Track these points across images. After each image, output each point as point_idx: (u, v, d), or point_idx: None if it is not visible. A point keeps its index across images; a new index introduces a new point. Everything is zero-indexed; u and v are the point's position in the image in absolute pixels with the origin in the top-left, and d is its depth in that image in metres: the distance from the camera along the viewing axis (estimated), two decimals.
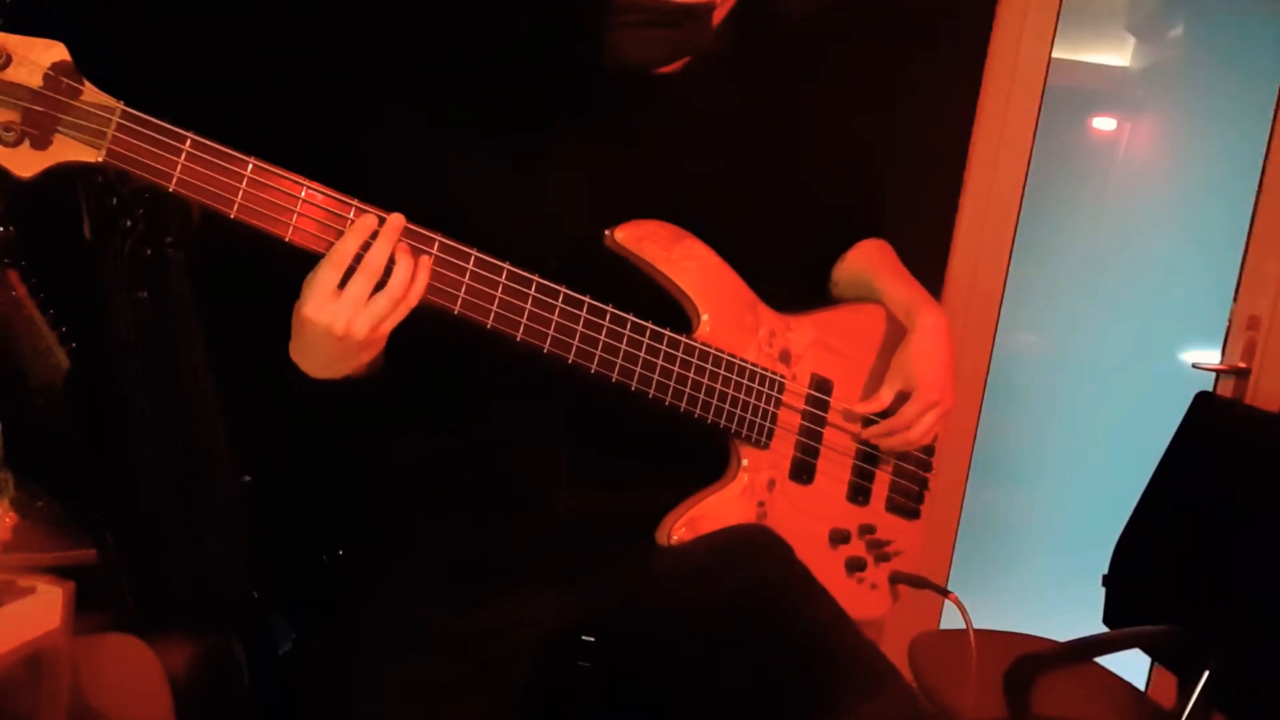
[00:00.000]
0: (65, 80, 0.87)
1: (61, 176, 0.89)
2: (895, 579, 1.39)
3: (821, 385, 1.31)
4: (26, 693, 1.34)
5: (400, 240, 0.99)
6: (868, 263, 1.42)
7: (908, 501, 1.41)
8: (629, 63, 1.15)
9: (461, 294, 1.04)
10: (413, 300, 1.00)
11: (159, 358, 1.68)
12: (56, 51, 0.87)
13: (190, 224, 1.66)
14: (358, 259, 0.98)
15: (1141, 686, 2.30)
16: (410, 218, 1.02)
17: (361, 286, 0.97)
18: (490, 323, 1.05)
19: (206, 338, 1.72)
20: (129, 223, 1.62)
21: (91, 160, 0.89)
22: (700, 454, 1.25)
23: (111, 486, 1.64)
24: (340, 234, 0.98)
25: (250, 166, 0.94)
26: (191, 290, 1.70)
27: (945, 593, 1.36)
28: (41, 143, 0.87)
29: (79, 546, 1.56)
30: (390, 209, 1.01)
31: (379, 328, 0.99)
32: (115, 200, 1.60)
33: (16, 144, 0.86)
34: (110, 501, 1.63)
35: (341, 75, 1.69)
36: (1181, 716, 1.65)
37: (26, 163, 0.87)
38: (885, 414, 1.31)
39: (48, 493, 1.57)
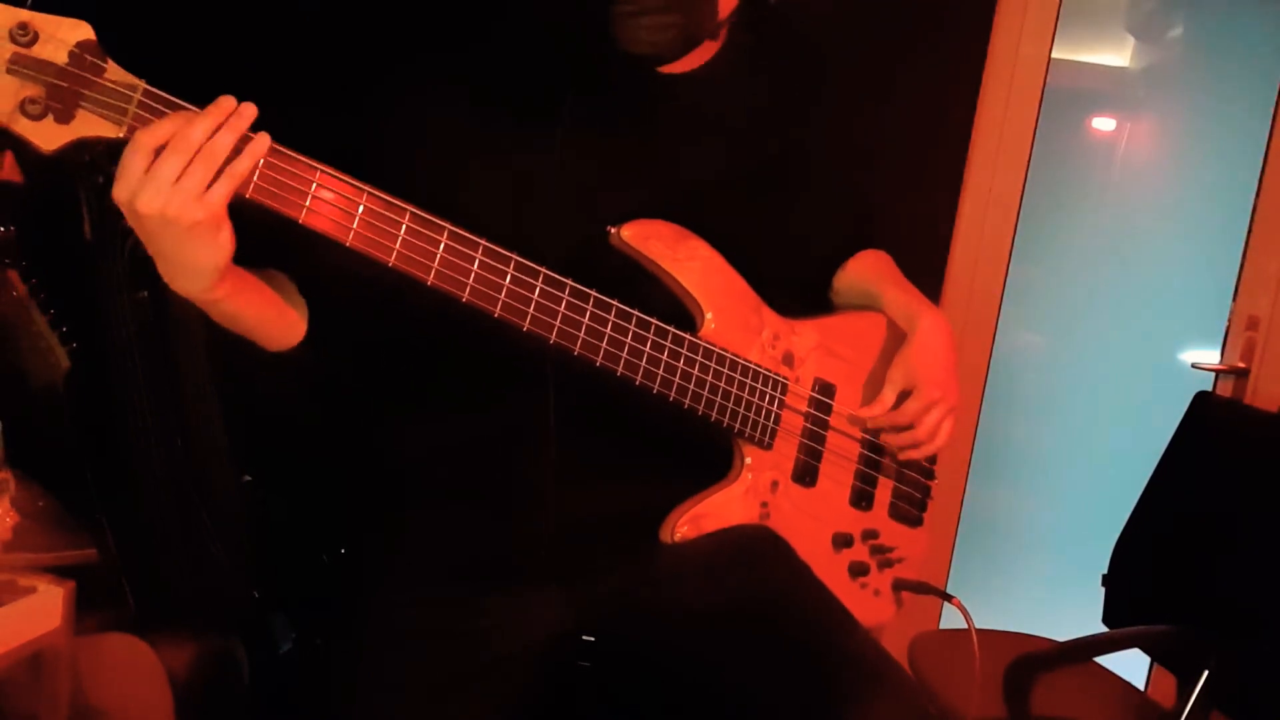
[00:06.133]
0: (90, 58, 0.89)
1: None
2: (898, 585, 1.39)
3: (825, 389, 1.31)
4: (27, 692, 1.35)
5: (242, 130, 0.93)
6: (868, 271, 1.42)
7: (911, 509, 1.41)
8: (639, 53, 1.15)
9: (470, 282, 1.04)
10: (236, 174, 0.92)
11: (159, 358, 1.68)
12: (82, 30, 0.90)
13: None
14: None
15: (1141, 686, 2.30)
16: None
17: (172, 164, 0.90)
18: (498, 311, 1.05)
19: (206, 338, 1.72)
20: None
21: (113, 135, 0.91)
22: (701, 455, 1.25)
23: (111, 486, 1.64)
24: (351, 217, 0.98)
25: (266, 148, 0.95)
26: None
27: (948, 597, 1.36)
28: (65, 117, 0.89)
29: (79, 546, 1.56)
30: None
31: (201, 202, 0.91)
32: None
33: (41, 117, 0.88)
34: (110, 501, 1.63)
35: (349, 64, 1.69)
36: (1181, 716, 1.65)
37: (50, 136, 0.89)
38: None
39: (48, 493, 1.57)
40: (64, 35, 0.88)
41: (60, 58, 0.88)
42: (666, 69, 1.20)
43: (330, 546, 1.82)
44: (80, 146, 0.91)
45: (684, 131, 1.22)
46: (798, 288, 1.37)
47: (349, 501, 1.70)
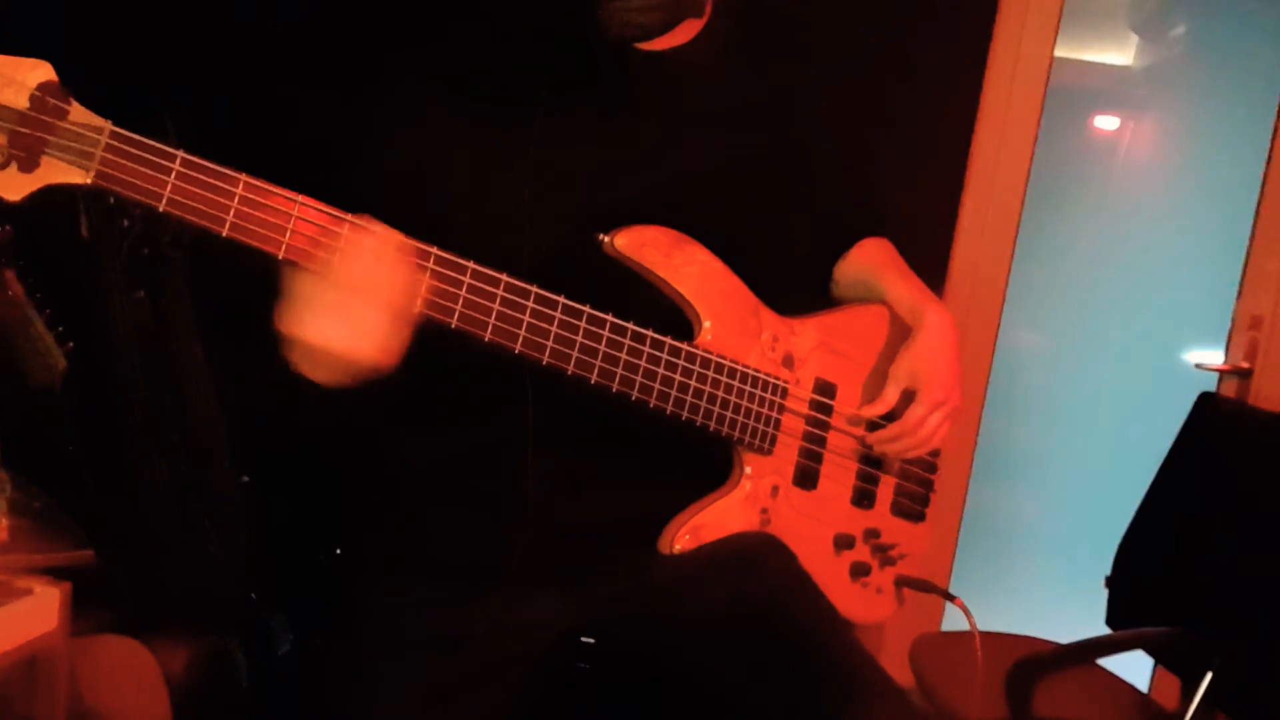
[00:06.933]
0: (52, 100, 0.85)
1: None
2: (900, 583, 1.37)
3: (825, 389, 1.30)
4: (23, 694, 1.34)
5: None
6: (870, 261, 1.40)
7: (913, 504, 1.40)
8: (623, 36, 1.14)
9: (459, 307, 1.01)
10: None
11: (156, 358, 1.68)
12: (43, 71, 0.85)
13: (188, 224, 1.66)
14: None
15: (1144, 688, 2.29)
16: (395, 210, 0.99)
17: (360, 307, 0.93)
18: (488, 335, 1.03)
19: (204, 338, 1.72)
20: (126, 223, 1.61)
21: (80, 182, 0.86)
22: (701, 460, 1.24)
23: (109, 487, 1.64)
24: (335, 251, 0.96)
25: (242, 184, 0.92)
26: (189, 290, 1.69)
27: (950, 597, 1.35)
28: (29, 165, 0.85)
29: (76, 547, 1.56)
30: (374, 204, 0.98)
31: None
32: (113, 200, 1.59)
33: (4, 167, 0.84)
34: (108, 502, 1.63)
35: (330, 56, 1.67)
36: (1184, 718, 1.64)
37: (14, 185, 0.85)
38: (891, 415, 1.30)
39: (45, 493, 1.56)
40: (24, 77, 0.84)
41: (21, 103, 0.84)
42: (647, 45, 1.18)
43: (328, 547, 1.82)
44: (50, 192, 0.87)
45: (669, 114, 1.19)
46: (794, 285, 1.35)
47: (347, 502, 1.69)
